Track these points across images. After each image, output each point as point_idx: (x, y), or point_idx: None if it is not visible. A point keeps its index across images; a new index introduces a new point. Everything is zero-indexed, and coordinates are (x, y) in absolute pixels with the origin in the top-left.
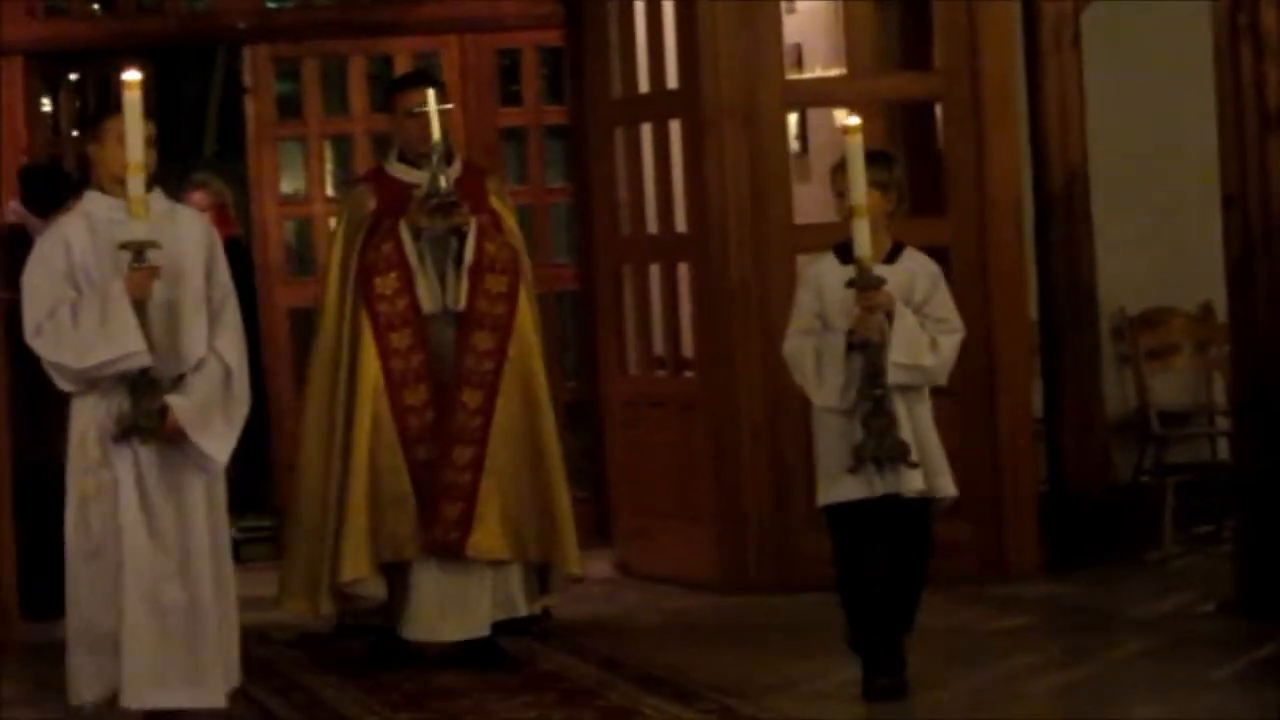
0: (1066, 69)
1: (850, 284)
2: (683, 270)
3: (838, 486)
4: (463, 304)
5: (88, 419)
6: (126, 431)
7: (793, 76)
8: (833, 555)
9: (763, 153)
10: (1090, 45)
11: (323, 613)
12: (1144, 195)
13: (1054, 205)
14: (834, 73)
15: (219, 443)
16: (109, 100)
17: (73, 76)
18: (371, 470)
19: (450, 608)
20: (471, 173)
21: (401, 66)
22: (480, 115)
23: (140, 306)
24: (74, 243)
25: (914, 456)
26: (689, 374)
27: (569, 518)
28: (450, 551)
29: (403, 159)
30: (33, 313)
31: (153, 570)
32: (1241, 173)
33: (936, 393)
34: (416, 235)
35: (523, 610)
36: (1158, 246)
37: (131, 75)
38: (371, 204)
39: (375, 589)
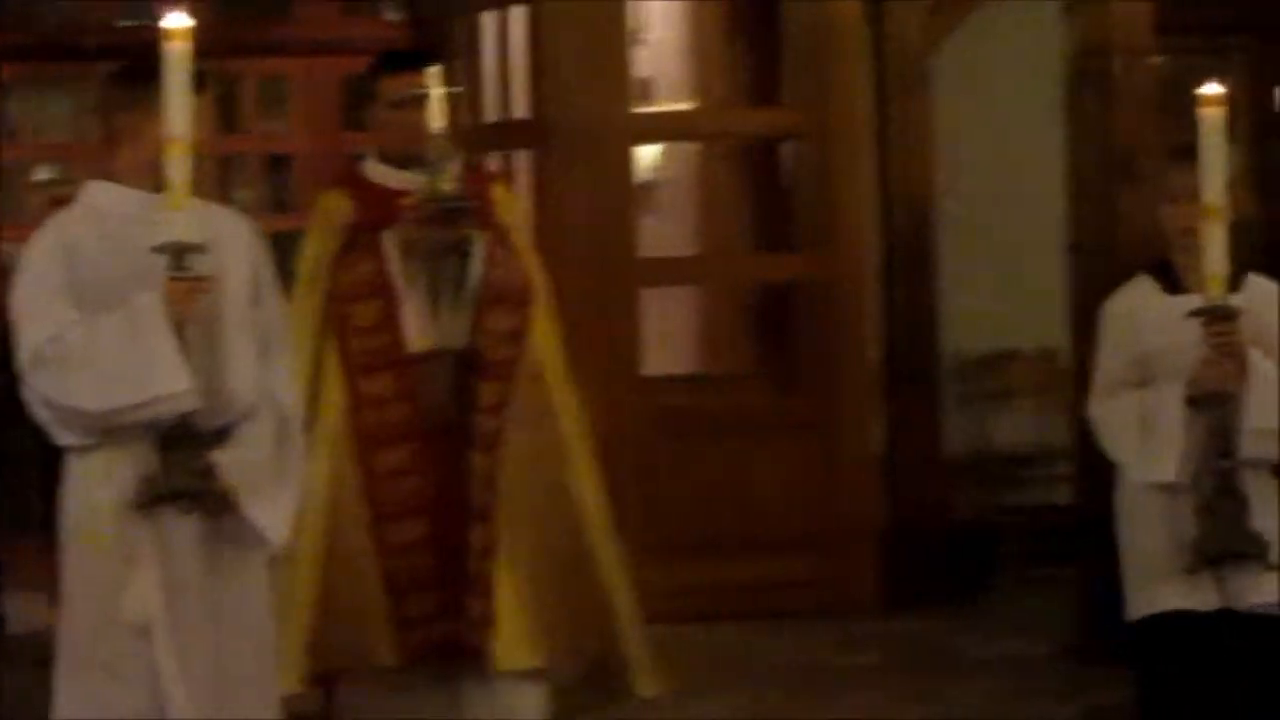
0: (915, 110)
1: (1195, 313)
2: None
3: (1158, 594)
4: (461, 341)
5: (98, 485)
6: (159, 498)
7: (641, 110)
8: (1139, 678)
9: (607, 184)
10: (940, 87)
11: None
12: (990, 238)
13: (899, 245)
14: (684, 106)
15: (275, 514)
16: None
17: None
18: (329, 555)
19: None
20: (474, 176)
21: (249, 89)
22: (325, 139)
23: (180, 330)
24: (80, 246)
25: (1275, 557)
26: None
27: (631, 620)
28: (473, 656)
29: (385, 160)
30: (29, 336)
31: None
32: (1089, 219)
33: (784, 426)
34: (406, 251)
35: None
36: (1002, 289)
37: (177, 20)
38: (347, 214)
39: (310, 704)
